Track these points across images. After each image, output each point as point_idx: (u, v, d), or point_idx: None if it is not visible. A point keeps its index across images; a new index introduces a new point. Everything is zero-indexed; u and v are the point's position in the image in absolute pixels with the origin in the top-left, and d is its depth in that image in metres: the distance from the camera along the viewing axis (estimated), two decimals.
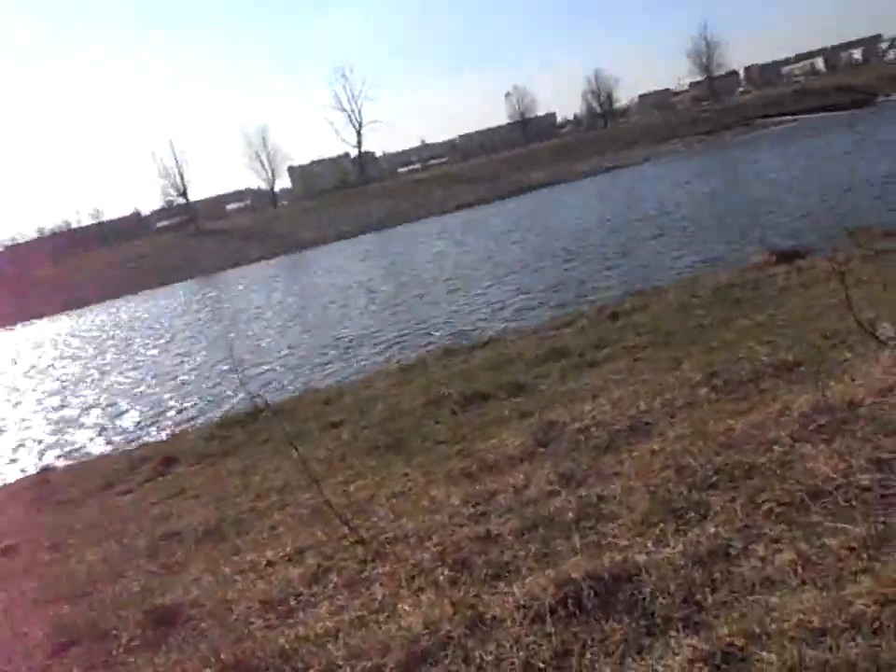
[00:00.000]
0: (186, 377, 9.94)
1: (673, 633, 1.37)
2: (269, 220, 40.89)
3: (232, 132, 78.10)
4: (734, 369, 3.16)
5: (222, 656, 1.51)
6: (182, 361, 11.30)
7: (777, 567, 1.50)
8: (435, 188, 38.72)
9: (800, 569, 1.46)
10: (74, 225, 63.29)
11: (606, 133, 48.19)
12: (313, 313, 12.97)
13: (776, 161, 19.57)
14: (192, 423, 7.08)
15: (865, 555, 1.44)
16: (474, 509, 2.27)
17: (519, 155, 44.54)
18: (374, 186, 46.77)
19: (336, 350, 9.01)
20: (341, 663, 1.53)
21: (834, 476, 1.84)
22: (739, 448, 2.22)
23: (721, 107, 45.40)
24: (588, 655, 1.38)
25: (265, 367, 8.99)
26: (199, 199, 53.46)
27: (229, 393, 7.83)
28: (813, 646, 1.21)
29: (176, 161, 47.47)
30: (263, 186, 56.55)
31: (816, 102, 36.41)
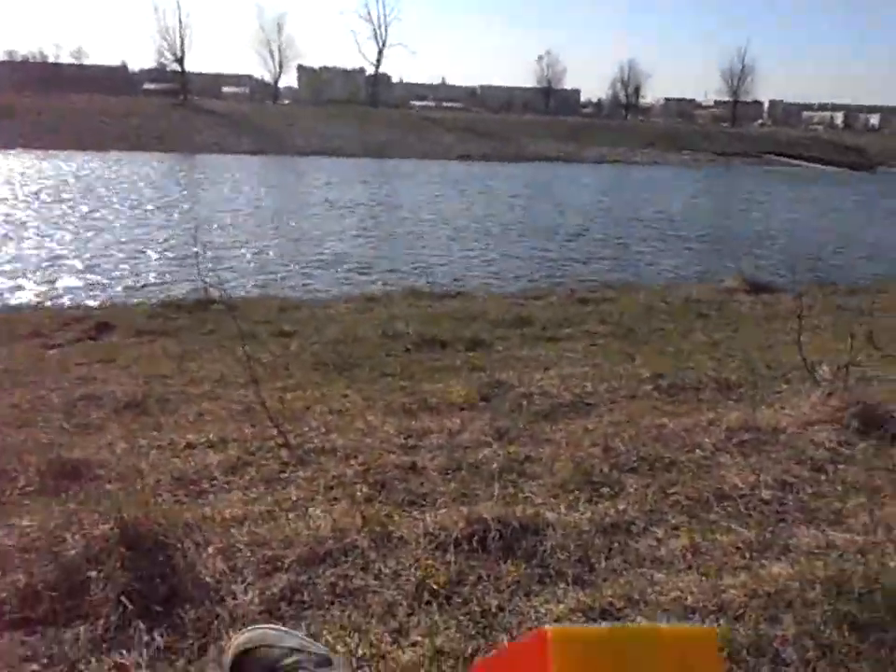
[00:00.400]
0: (142, 251, 9.48)
1: (562, 585, 1.46)
2: (267, 115, 38.66)
3: (246, 11, 74.18)
4: (680, 375, 3.27)
5: (123, 515, 1.51)
6: (143, 234, 10.73)
7: (669, 549, 1.60)
8: (446, 131, 37.93)
9: (689, 555, 1.57)
10: (51, 59, 58.66)
11: (625, 125, 47.79)
12: (294, 222, 12.66)
13: (777, 199, 19.77)
14: (137, 297, 6.79)
15: (748, 555, 1.57)
16: (406, 441, 2.32)
17: (536, 122, 43.90)
18: (385, 111, 45.27)
19: (307, 265, 8.86)
20: (241, 547, 1.56)
21: (742, 486, 1.96)
22: (666, 444, 2.33)
23: (738, 133, 45.44)
24: (480, 587, 1.46)
25: (228, 262, 8.73)
26: (194, 72, 50.53)
27: (183, 278, 7.59)
28: (681, 619, 1.31)
29: (180, 23, 44.62)
30: (267, 77, 54.20)
31: (825, 154, 36.77)
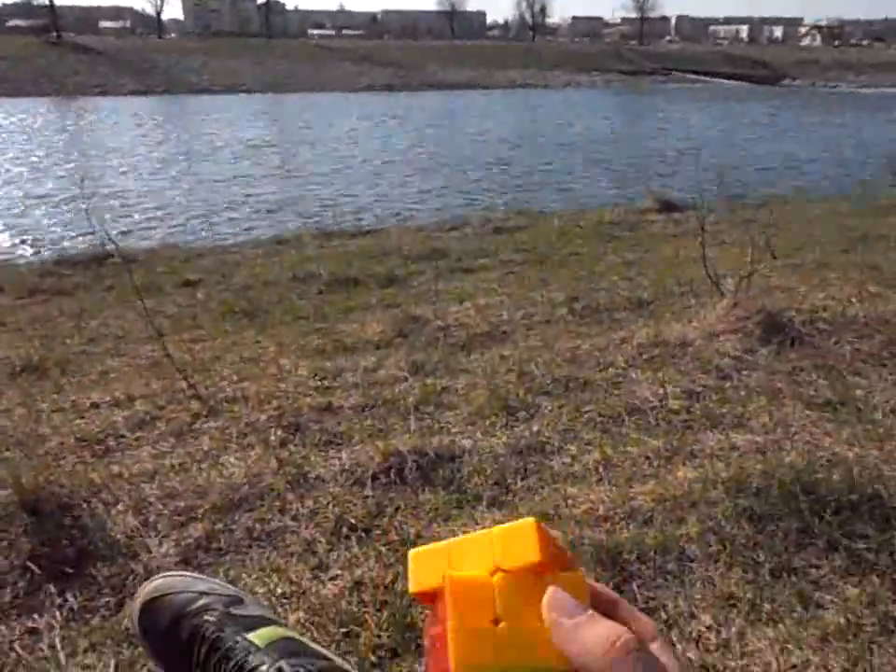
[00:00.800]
0: (28, 205, 8.71)
1: (480, 508, 1.48)
2: (151, 50, 35.84)
3: None
4: (594, 297, 3.33)
5: (23, 480, 1.45)
6: (28, 188, 9.88)
7: (583, 465, 1.65)
8: (348, 62, 36.59)
9: (601, 469, 1.62)
10: None
11: (532, 48, 47.22)
12: (192, 165, 12.00)
13: (687, 117, 20.07)
14: (27, 256, 6.33)
15: (656, 463, 1.63)
16: (320, 382, 2.28)
17: (442, 48, 42.85)
18: (281, 42, 43.11)
19: (210, 210, 8.44)
20: (153, 501, 1.52)
21: (652, 399, 2.03)
22: (580, 365, 2.38)
23: (647, 51, 45.68)
24: (398, 518, 1.47)
25: (125, 212, 8.20)
26: (66, 4, 45.86)
27: (76, 232, 7.09)
28: (593, 529, 1.36)
29: None
30: (149, 9, 50.41)
31: (731, 69, 37.49)
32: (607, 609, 0.34)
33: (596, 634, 0.31)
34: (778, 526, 1.39)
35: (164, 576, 0.99)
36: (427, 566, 0.34)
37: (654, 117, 20.45)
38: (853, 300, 2.71)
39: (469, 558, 0.33)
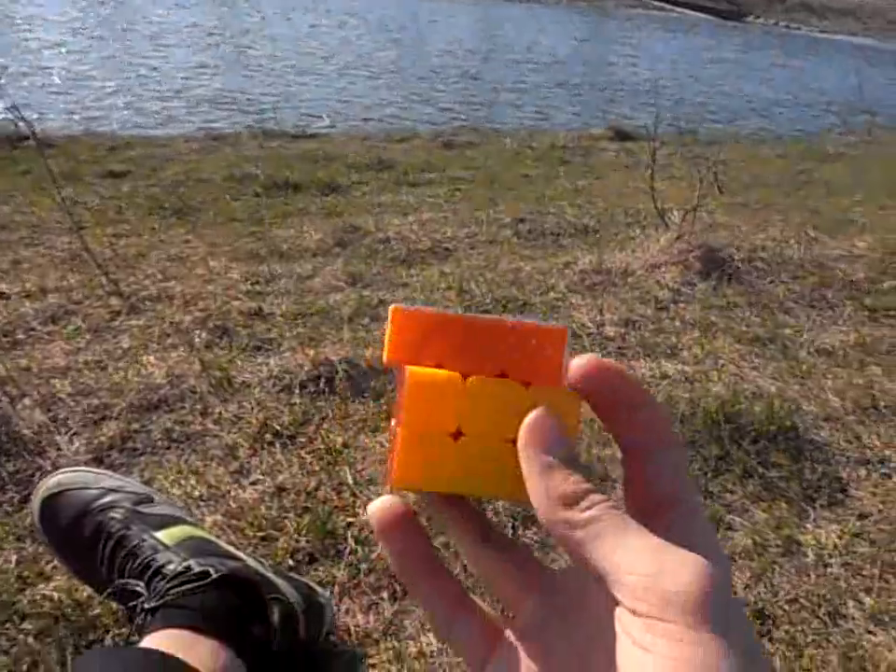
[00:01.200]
0: None
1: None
2: None
3: None
4: (541, 221, 3.29)
5: None
6: None
7: None
8: None
9: None
10: None
11: None
12: (125, 46, 11.15)
13: (651, 48, 19.73)
14: None
15: None
16: (252, 287, 2.20)
17: None
18: None
19: (138, 96, 7.88)
20: (64, 397, 1.44)
21: (590, 325, 2.04)
22: (521, 287, 2.36)
23: None
24: (325, 427, 1.43)
25: (44, 93, 7.58)
26: None
27: None
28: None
29: None
30: None
31: (700, 0, 36.91)
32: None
33: (560, 489, 0.26)
34: (699, 453, 1.43)
35: (68, 471, 0.93)
36: (408, 332, 0.28)
37: (618, 42, 20.05)
38: (791, 241, 2.76)
39: (465, 347, 0.28)
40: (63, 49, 10.39)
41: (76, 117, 6.80)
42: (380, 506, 0.31)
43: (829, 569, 1.19)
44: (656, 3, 35.60)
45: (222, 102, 7.95)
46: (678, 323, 2.08)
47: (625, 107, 9.43)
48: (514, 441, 0.27)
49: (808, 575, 1.18)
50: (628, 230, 3.21)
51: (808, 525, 1.29)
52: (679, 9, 34.44)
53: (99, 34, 12.58)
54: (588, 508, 0.25)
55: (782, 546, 1.23)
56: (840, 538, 1.25)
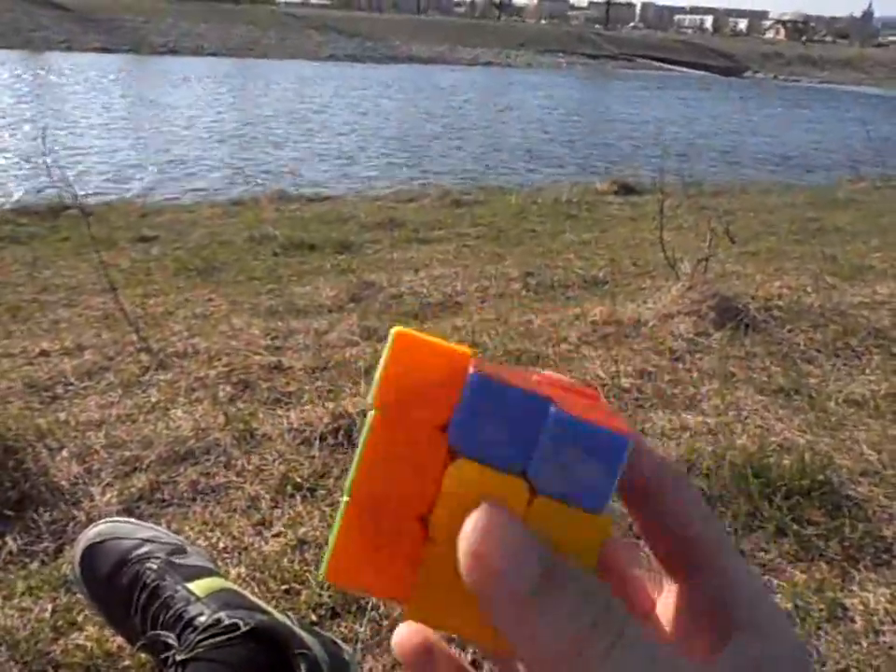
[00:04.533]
0: None
1: None
2: (120, 9, 35.35)
3: None
4: (549, 274, 3.35)
5: None
6: None
7: None
8: (313, 30, 35.94)
9: None
10: None
11: (498, 27, 46.89)
12: (151, 123, 11.66)
13: (649, 104, 20.21)
14: None
15: None
16: (272, 342, 2.26)
17: (408, 22, 42.30)
18: (248, 7, 42.55)
19: (170, 169, 8.23)
20: (98, 449, 1.50)
21: (604, 376, 2.06)
22: (532, 339, 2.40)
23: (612, 36, 45.78)
24: (344, 478, 1.46)
25: (85, 168, 7.97)
26: None
27: (36, 185, 6.90)
28: None
29: None
30: None
31: (695, 58, 37.87)
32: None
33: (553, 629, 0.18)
34: (728, 508, 1.39)
35: (108, 521, 0.97)
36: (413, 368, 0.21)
37: (619, 102, 20.56)
38: (809, 289, 2.76)
39: None
40: (100, 129, 10.87)
41: (110, 187, 7.13)
42: (398, 640, 0.25)
43: (881, 637, 1.12)
44: (654, 63, 36.56)
45: (243, 171, 8.26)
46: (695, 374, 2.09)
47: (628, 162, 9.63)
48: None
49: (858, 643, 1.11)
50: (638, 280, 3.26)
51: (854, 588, 1.22)
52: (677, 68, 35.33)
53: (128, 112, 13.13)
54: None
55: (826, 610, 1.16)
56: (891, 602, 1.18)
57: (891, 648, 1.11)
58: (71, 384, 1.87)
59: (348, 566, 0.20)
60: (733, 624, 0.21)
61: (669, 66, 35.93)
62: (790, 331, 2.40)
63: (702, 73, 34.11)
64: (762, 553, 1.30)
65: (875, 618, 1.16)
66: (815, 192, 6.80)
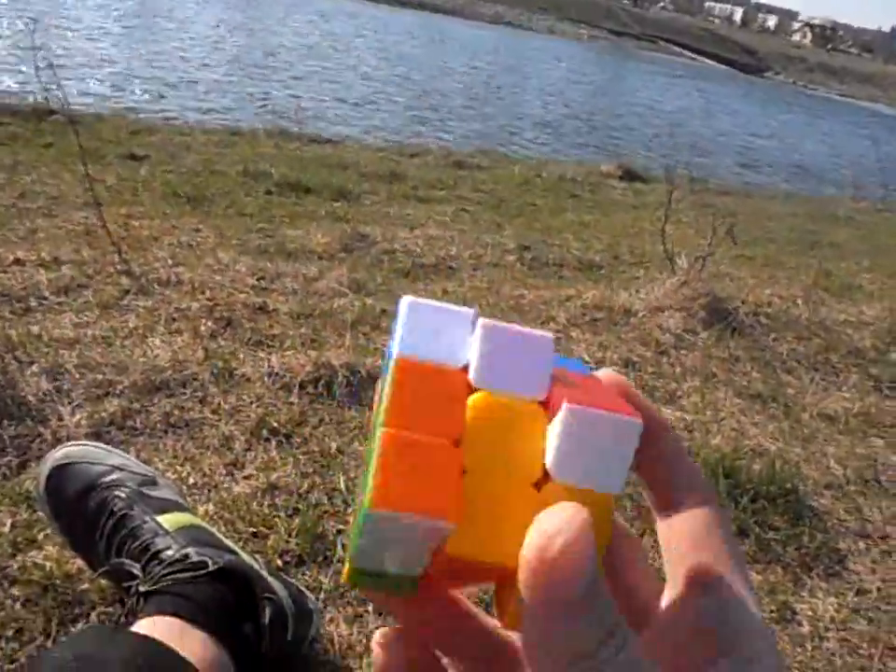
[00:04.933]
0: None
1: None
2: None
3: None
4: (546, 251, 3.33)
5: None
6: None
7: None
8: None
9: None
10: None
11: None
12: (155, 36, 11.27)
13: (669, 90, 20.01)
14: None
15: None
16: (258, 281, 2.22)
17: None
18: None
19: (165, 85, 7.98)
20: (70, 369, 1.46)
21: (589, 360, 2.06)
22: (522, 313, 2.39)
23: (639, 14, 45.03)
24: (321, 429, 1.44)
25: (74, 72, 7.65)
26: None
27: (20, 81, 6.63)
28: None
29: None
30: None
31: (719, 50, 37.44)
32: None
33: (580, 644, 0.18)
34: None
35: (79, 444, 0.94)
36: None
37: (635, 83, 20.33)
38: (798, 301, 2.78)
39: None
40: (97, 34, 10.47)
41: (102, 98, 6.87)
42: (377, 650, 0.25)
43: (825, 643, 1.17)
44: (676, 49, 36.07)
45: (245, 99, 8.04)
46: (678, 369, 2.10)
47: (636, 147, 9.56)
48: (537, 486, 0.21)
49: (803, 646, 1.16)
50: (633, 269, 3.25)
51: (804, 594, 1.26)
52: (699, 58, 34.88)
53: (129, 21, 12.66)
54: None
55: (776, 613, 1.22)
56: (837, 611, 1.23)
57: (833, 654, 1.16)
58: (45, 297, 1.81)
59: (396, 491, 0.20)
60: (717, 647, 0.21)
61: (691, 55, 35.48)
62: (774, 340, 2.42)
63: (724, 67, 33.70)
64: None
65: (821, 624, 1.21)
66: (817, 206, 6.81)
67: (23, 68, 7.27)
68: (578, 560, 0.17)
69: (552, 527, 0.17)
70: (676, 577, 0.23)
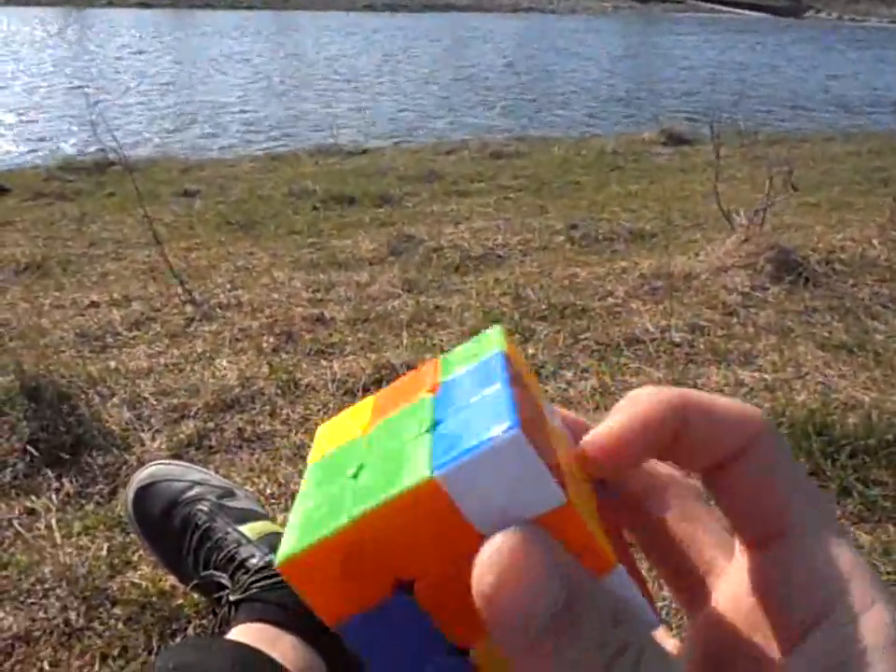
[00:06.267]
0: (31, 110, 8.64)
1: None
2: None
3: None
4: (594, 226, 3.27)
5: (24, 367, 1.46)
6: (32, 92, 9.78)
7: (578, 391, 1.63)
8: None
9: (598, 396, 1.60)
10: None
11: None
12: (192, 79, 11.66)
13: (701, 49, 19.40)
14: (33, 160, 6.35)
15: None
16: (313, 294, 2.26)
17: None
18: None
19: (211, 124, 8.26)
20: (147, 396, 1.53)
21: (653, 330, 2.00)
22: (577, 292, 2.34)
23: None
24: None
25: (127, 122, 8.06)
26: None
27: (81, 140, 7.01)
28: None
29: None
30: None
31: None
32: None
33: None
34: None
35: (159, 463, 0.98)
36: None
37: (667, 47, 19.79)
38: (875, 241, 2.61)
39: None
40: (141, 84, 10.95)
41: (152, 143, 7.23)
42: None
43: None
44: (705, 4, 34.95)
45: (283, 124, 8.25)
46: (750, 329, 2.01)
47: (677, 111, 9.31)
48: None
49: None
50: (688, 233, 3.16)
51: None
52: (730, 10, 33.69)
53: (167, 67, 13.16)
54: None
55: (894, 574, 1.13)
56: None
57: None
58: (120, 333, 1.92)
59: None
60: (808, 617, 0.17)
61: (723, 8, 34.26)
62: (853, 286, 2.29)
63: (759, 14, 32.38)
64: None
65: None
66: (882, 140, 6.43)
67: (75, 127, 7.71)
68: (521, 587, 0.15)
69: (479, 567, 0.16)
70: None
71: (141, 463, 1.28)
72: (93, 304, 2.19)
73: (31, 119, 8.38)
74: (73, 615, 1.01)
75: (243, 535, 0.89)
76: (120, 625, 0.99)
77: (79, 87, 10.24)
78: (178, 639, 0.95)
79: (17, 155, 6.81)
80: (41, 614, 1.01)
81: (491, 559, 0.15)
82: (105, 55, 14.40)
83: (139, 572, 1.06)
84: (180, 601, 1.01)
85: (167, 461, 1.01)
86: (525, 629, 0.15)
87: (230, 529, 0.89)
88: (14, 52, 14.41)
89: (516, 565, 0.15)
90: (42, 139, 7.50)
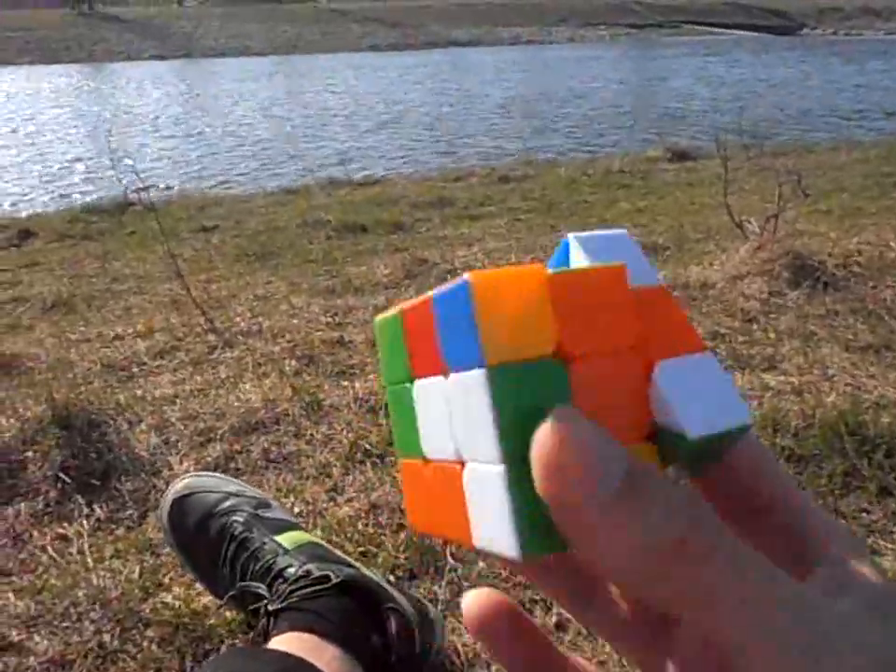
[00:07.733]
0: (55, 159, 8.93)
1: None
2: (173, 18, 36.51)
3: None
4: None
5: (55, 395, 1.51)
6: (57, 143, 10.07)
7: None
8: (354, 23, 36.18)
9: None
10: None
11: (536, 2, 46.01)
12: (207, 122, 11.94)
13: (698, 69, 19.56)
14: (59, 205, 6.55)
15: None
16: (332, 318, 2.28)
17: (444, 7, 41.97)
18: (289, 6, 43.21)
19: (223, 162, 8.45)
20: (174, 421, 1.55)
21: None
22: None
23: (654, 3, 44.33)
24: None
25: (146, 165, 8.27)
26: None
27: (103, 185, 7.22)
28: None
29: None
30: None
31: (746, 19, 36.35)
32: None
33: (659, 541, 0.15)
34: (822, 468, 1.32)
35: (194, 475, 0.98)
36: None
37: (668, 69, 19.97)
38: (892, 243, 2.58)
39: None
40: (158, 129, 11.24)
41: (171, 182, 7.42)
42: (473, 603, 0.23)
43: None
44: (701, 28, 35.30)
45: (295, 159, 8.41)
46: (772, 334, 1.99)
47: (680, 130, 9.36)
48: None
49: None
50: (701, 245, 3.15)
51: None
52: (727, 31, 33.96)
53: (183, 112, 13.47)
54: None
55: None
56: None
57: None
58: (145, 363, 1.96)
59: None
60: (810, 556, 0.19)
61: (719, 30, 34.56)
62: (874, 287, 2.26)
63: (755, 34, 32.61)
64: (864, 514, 1.22)
65: None
66: (889, 146, 6.40)
67: (96, 172, 7.91)
68: (580, 452, 0.16)
69: (539, 438, 0.16)
70: None
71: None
72: (118, 336, 2.24)
73: (56, 167, 8.65)
74: (107, 637, 1.01)
75: (280, 545, 0.88)
76: (154, 647, 0.98)
77: (98, 132, 10.55)
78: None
79: (43, 203, 7.02)
80: (76, 637, 1.01)
81: (549, 433, 0.16)
82: (123, 104, 14.77)
83: (171, 593, 1.05)
84: (212, 621, 1.01)
85: (202, 473, 1.01)
86: (595, 494, 0.15)
87: (266, 539, 0.88)
88: (36, 106, 14.88)
89: (573, 439, 0.16)
90: (67, 184, 7.75)
